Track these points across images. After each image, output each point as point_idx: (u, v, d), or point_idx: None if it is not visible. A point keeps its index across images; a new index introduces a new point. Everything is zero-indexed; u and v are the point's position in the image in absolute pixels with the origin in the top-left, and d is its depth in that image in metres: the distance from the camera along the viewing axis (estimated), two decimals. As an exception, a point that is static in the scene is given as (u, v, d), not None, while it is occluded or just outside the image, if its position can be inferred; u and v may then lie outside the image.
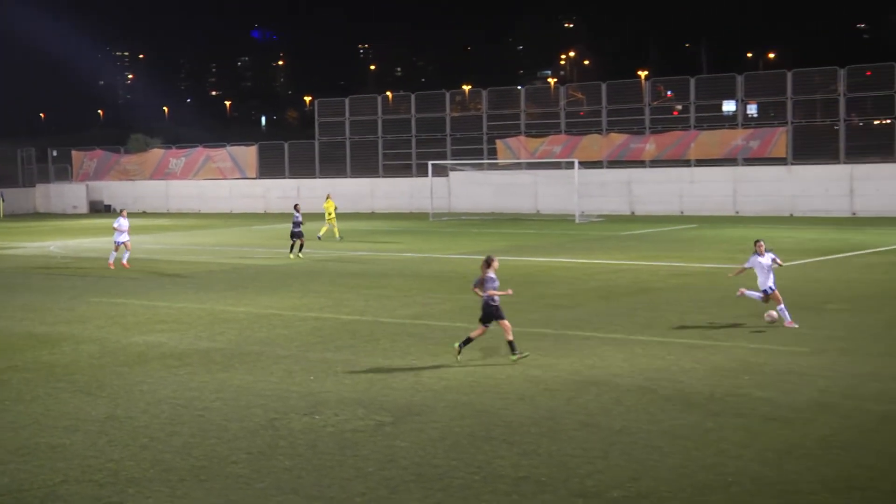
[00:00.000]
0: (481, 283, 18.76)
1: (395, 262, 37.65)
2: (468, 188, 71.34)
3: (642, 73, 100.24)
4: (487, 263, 18.88)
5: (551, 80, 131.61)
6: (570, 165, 64.07)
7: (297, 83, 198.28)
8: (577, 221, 59.15)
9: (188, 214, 75.56)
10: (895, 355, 18.77)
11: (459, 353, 18.84)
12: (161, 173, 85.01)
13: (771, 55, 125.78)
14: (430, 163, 67.82)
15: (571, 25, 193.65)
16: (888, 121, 62.19)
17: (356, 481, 12.40)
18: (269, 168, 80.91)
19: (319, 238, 46.09)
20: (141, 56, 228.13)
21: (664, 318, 23.70)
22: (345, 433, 14.53)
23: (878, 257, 36.03)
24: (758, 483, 11.98)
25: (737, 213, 62.30)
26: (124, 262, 36.36)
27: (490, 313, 18.79)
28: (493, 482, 12.22)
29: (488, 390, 16.81)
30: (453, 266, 36.16)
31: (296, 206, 40.84)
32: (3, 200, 79.03)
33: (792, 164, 62.37)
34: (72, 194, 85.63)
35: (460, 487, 12.10)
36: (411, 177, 74.16)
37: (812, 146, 62.98)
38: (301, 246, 39.35)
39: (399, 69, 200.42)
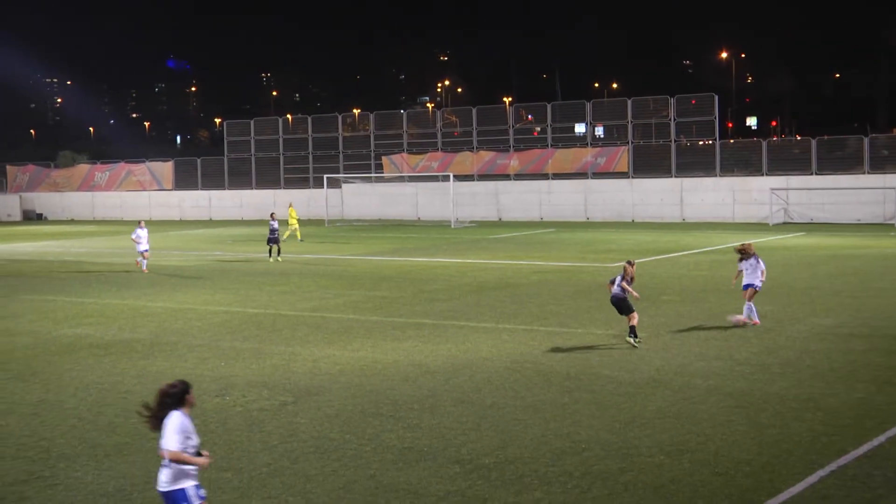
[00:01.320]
0: (626, 280, 18.35)
1: (295, 263, 37.30)
2: (358, 198, 71.07)
3: (507, 100, 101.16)
4: (631, 264, 18.69)
5: (429, 105, 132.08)
6: (446, 178, 64.37)
7: (207, 106, 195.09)
8: (452, 227, 59.37)
9: (112, 222, 73.92)
10: (717, 339, 19.25)
11: (635, 339, 18.41)
12: (87, 186, 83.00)
13: (614, 85, 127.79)
14: (325, 176, 67.54)
15: (446, 58, 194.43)
16: (710, 141, 63.62)
17: (262, 454, 12.28)
18: (184, 181, 79.60)
19: (283, 240, 45.10)
20: (69, 82, 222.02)
21: (527, 309, 23.93)
22: (252, 412, 14.38)
23: (703, 256, 36.93)
24: (606, 448, 12.16)
25: (587, 219, 63.17)
26: (143, 268, 34.25)
27: (629, 305, 18.49)
28: (382, 452, 12.20)
29: (377, 373, 16.77)
30: (346, 266, 35.99)
31: (272, 215, 38.76)
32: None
33: (633, 177, 63.38)
34: (6, 204, 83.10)
35: (353, 457, 12.05)
36: (309, 188, 73.58)
37: (649, 162, 64.07)
38: (279, 251, 37.61)
39: (297, 95, 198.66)
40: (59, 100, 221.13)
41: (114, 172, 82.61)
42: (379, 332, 20.83)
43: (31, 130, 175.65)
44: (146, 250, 34.49)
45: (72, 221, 76.05)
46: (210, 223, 69.06)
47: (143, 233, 34.42)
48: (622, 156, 64.25)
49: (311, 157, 75.84)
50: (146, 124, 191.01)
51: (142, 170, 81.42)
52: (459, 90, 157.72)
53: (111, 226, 68.00)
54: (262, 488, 11.04)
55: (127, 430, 13.48)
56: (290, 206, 51.27)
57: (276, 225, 37.77)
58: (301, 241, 47.08)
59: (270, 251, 37.53)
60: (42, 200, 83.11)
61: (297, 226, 48.60)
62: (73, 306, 25.89)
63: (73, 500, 10.77)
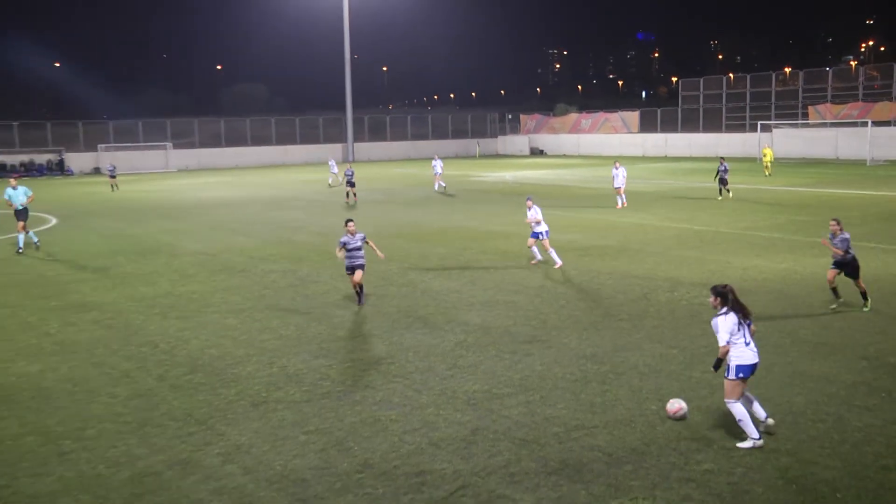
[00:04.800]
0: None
1: (732, 192, 35.17)
2: (785, 140, 64.84)
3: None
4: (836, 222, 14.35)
5: (853, 63, 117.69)
6: (864, 124, 57.34)
7: (667, 68, 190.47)
8: (867, 164, 52.99)
9: (593, 157, 75.44)
10: None
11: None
12: (575, 129, 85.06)
13: None
14: (759, 122, 63.42)
15: (871, 22, 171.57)
16: None
17: (702, 338, 12.15)
18: (646, 126, 78.80)
19: (769, 175, 43.48)
20: (565, 52, 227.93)
21: (936, 237, 21.01)
22: (694, 305, 14.21)
23: None
24: None
25: None
26: (619, 205, 29.73)
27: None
28: (798, 345, 11.48)
29: (796, 282, 15.78)
30: (773, 195, 33.67)
31: (721, 159, 32.74)
32: (479, 146, 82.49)
33: None
34: (519, 143, 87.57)
35: (774, 346, 11.51)
36: (745, 132, 69.38)
37: None
38: (728, 190, 32.14)
39: (738, 57, 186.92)
40: (556, 66, 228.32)
41: (595, 119, 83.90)
42: (800, 249, 19.48)
43: (537, 88, 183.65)
44: (618, 187, 30.10)
45: (563, 156, 78.59)
46: (665, 159, 67.97)
47: (617, 172, 30.12)
48: None
49: (747, 107, 71.77)
50: (619, 83, 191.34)
51: (615, 118, 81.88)
52: (882, 48, 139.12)
53: (592, 159, 69.44)
54: (701, 364, 10.95)
55: (600, 311, 13.97)
56: (766, 147, 47.18)
57: (726, 166, 32.07)
58: (769, 175, 43.58)
59: (720, 191, 32.15)
60: (543, 140, 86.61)
61: (767, 163, 44.53)
62: (563, 219, 26.97)
63: (562, 357, 11.44)
